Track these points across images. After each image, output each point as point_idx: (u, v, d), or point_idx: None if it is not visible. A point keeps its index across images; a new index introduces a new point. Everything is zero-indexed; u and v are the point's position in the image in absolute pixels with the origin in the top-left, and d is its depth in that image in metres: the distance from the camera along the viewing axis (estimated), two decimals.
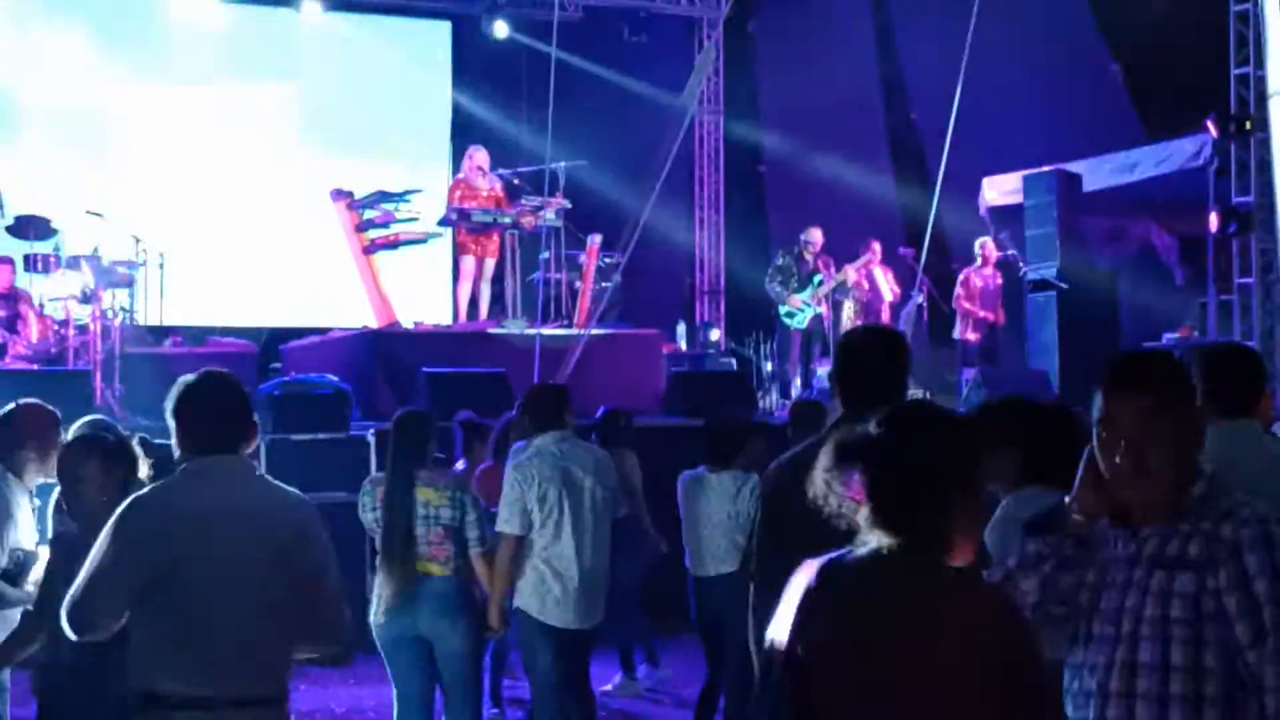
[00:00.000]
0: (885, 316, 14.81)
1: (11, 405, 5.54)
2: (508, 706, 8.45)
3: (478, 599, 6.54)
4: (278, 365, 14.10)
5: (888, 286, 15.01)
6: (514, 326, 13.10)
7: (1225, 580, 2.82)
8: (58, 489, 5.06)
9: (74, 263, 12.88)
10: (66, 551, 4.38)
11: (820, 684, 2.66)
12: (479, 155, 13.71)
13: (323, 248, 15.48)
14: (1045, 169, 14.90)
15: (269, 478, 4.18)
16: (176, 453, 4.07)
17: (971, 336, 14.91)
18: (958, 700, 2.56)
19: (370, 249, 13.53)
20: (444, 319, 14.92)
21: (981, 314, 14.75)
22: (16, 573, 5.05)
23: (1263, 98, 14.31)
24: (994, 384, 12.33)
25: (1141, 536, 2.93)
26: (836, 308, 14.86)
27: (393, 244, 13.63)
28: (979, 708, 2.55)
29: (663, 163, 14.34)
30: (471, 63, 18.42)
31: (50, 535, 5.03)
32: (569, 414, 6.80)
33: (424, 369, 11.53)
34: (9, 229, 13.31)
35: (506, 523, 6.47)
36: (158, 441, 4.72)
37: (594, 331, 13.14)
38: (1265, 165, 14.31)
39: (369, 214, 13.56)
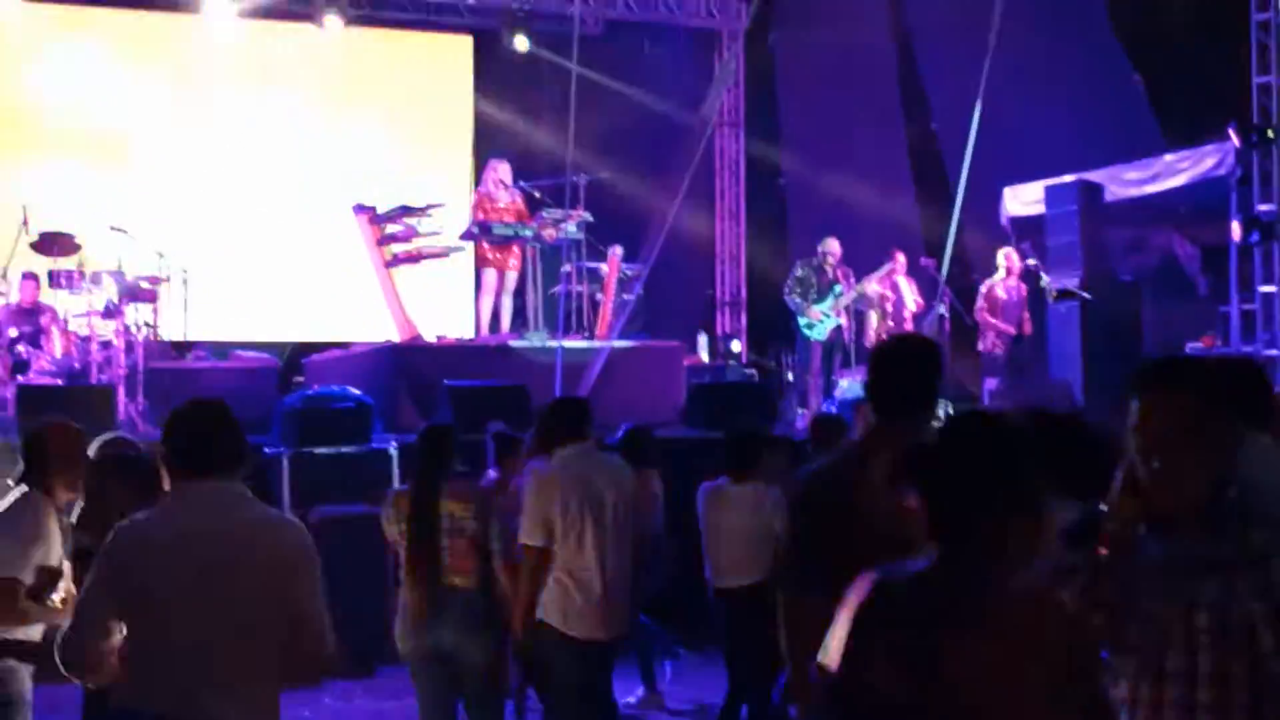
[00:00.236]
0: (909, 327, 14.76)
1: (38, 424, 5.56)
2: (529, 714, 8.42)
3: (502, 611, 6.54)
4: (300, 379, 14.15)
5: (912, 297, 14.97)
6: (535, 339, 13.11)
7: (1252, 587, 2.80)
8: (80, 505, 5.10)
9: (98, 278, 12.95)
10: (87, 567, 4.41)
11: (875, 702, 2.63)
12: (501, 168, 13.73)
13: (345, 262, 15.53)
14: (1067, 179, 14.88)
15: (260, 503, 4.12)
16: (166, 480, 4.07)
17: (996, 348, 14.84)
18: (1017, 716, 2.53)
19: (392, 263, 13.56)
20: (466, 332, 14.95)
21: (1003, 327, 14.68)
22: (39, 590, 5.07)
23: None
24: (1016, 395, 12.30)
25: (1173, 543, 2.90)
26: (861, 319, 14.84)
27: (415, 258, 13.66)
28: None
29: (683, 175, 14.36)
30: (493, 76, 18.47)
31: (70, 550, 5.08)
32: (590, 426, 6.80)
33: (446, 382, 11.52)
34: (33, 245, 13.36)
35: (529, 535, 6.46)
36: None
37: (615, 344, 13.15)
38: None
39: (391, 228, 13.60)
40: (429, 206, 13.73)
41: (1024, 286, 14.84)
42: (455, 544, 6.33)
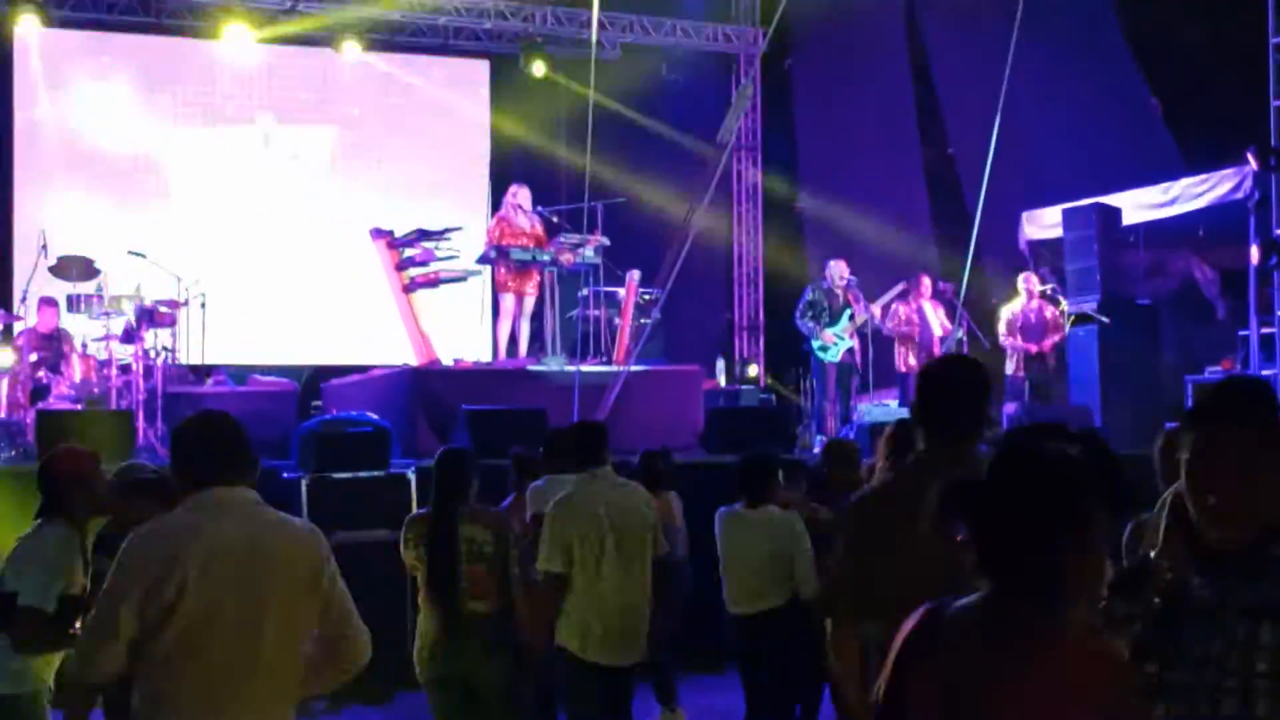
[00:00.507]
0: (936, 351, 14.73)
1: (48, 455, 5.58)
2: None
3: (520, 636, 6.52)
4: (319, 403, 14.17)
5: (937, 322, 14.94)
6: (553, 364, 13.11)
7: None
8: (100, 529, 5.11)
9: (116, 303, 12.98)
10: None
11: None
12: (521, 193, 13.74)
13: (363, 286, 15.57)
14: (1085, 203, 14.85)
15: (273, 509, 4.10)
16: (177, 488, 4.05)
17: (1020, 371, 14.74)
18: None
19: (410, 287, 13.58)
20: (484, 357, 14.97)
21: (1023, 345, 14.63)
22: (59, 616, 5.07)
23: None
24: (1036, 419, 12.24)
25: (1227, 583, 2.75)
26: (889, 344, 14.84)
27: (433, 282, 13.68)
28: None
29: (700, 199, 14.38)
30: (510, 101, 18.51)
31: (92, 573, 5.08)
32: (608, 451, 6.80)
33: (464, 407, 11.54)
34: (52, 269, 13.41)
35: (548, 560, 6.45)
36: None
37: (633, 368, 13.14)
38: None
39: (409, 252, 13.63)
40: (446, 230, 13.77)
41: (1045, 308, 14.77)
42: (474, 569, 6.32)
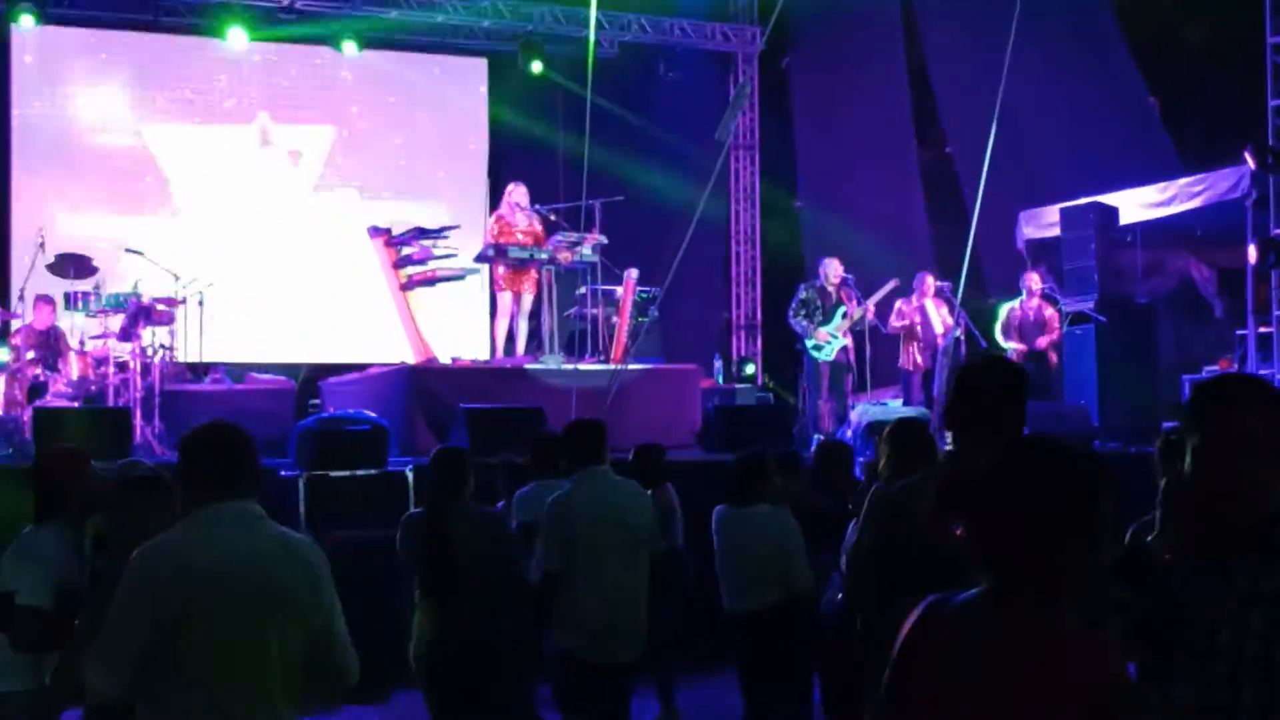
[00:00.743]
0: (939, 349, 14.74)
1: (41, 454, 5.57)
2: None
3: (518, 634, 6.52)
4: (316, 402, 14.15)
5: (939, 320, 14.93)
6: (551, 362, 13.10)
7: None
8: (97, 528, 5.10)
9: (114, 300, 12.97)
10: (106, 591, 4.41)
11: None
12: (518, 192, 13.73)
13: (361, 284, 15.57)
14: (1082, 202, 14.86)
15: (276, 524, 4.13)
16: (182, 496, 4.08)
17: None
18: None
19: (408, 285, 13.57)
20: (481, 355, 14.95)
21: (1019, 346, 14.63)
22: (57, 614, 5.05)
23: None
24: (1033, 420, 12.22)
25: (1232, 569, 2.76)
26: (895, 342, 14.85)
27: (430, 280, 13.66)
28: None
29: (698, 197, 14.34)
30: (508, 99, 18.51)
31: (90, 571, 5.08)
32: (606, 449, 6.79)
33: (462, 405, 11.52)
34: (49, 267, 13.41)
35: (545, 558, 6.45)
36: None
37: (631, 367, 13.13)
38: None
39: (406, 250, 13.61)
40: (444, 229, 13.76)
41: (1045, 307, 14.78)
42: (469, 568, 6.31)
